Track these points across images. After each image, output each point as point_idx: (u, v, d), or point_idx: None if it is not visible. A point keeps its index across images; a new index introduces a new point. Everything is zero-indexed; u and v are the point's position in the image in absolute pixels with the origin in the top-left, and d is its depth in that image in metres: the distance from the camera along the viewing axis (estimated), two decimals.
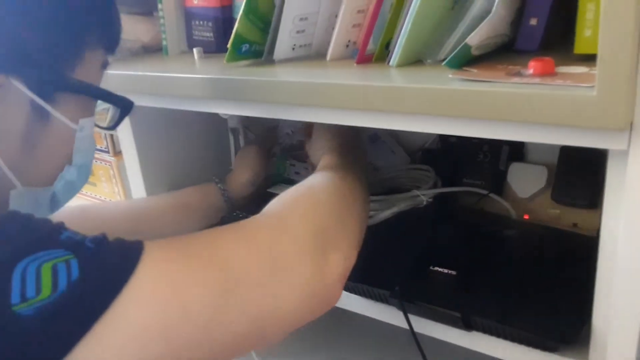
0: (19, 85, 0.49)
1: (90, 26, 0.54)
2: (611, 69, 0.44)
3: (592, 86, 0.46)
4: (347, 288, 0.74)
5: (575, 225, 0.82)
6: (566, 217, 0.83)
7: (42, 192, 0.56)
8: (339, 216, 0.62)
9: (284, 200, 0.62)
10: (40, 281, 0.40)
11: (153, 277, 0.45)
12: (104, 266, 0.43)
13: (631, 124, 0.47)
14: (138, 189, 0.99)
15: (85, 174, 0.59)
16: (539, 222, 0.83)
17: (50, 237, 0.43)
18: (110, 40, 0.57)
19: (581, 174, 0.79)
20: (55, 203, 0.57)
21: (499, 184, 0.87)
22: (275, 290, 0.52)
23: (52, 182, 0.56)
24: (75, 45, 0.53)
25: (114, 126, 0.62)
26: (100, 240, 0.45)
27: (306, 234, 0.57)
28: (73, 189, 0.58)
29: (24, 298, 0.40)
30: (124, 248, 0.46)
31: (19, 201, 0.53)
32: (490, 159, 0.87)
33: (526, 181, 0.85)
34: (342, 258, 0.59)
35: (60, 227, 0.45)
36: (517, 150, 0.86)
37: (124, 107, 0.59)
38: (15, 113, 0.50)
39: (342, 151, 0.77)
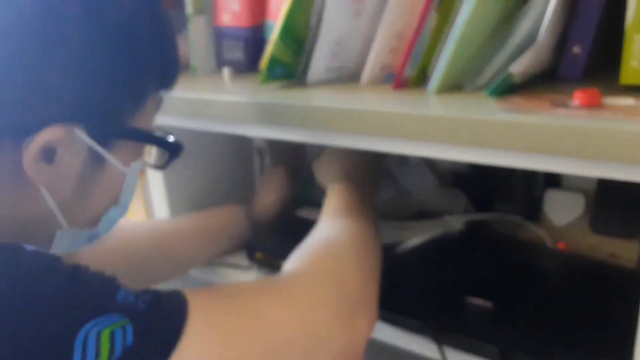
0: (80, 134, 0.49)
1: (154, 75, 0.55)
2: None
3: None
4: (380, 317, 0.72)
5: (613, 255, 0.80)
6: (604, 246, 0.81)
7: (86, 232, 0.56)
8: (364, 274, 0.63)
9: (309, 258, 0.63)
10: (100, 347, 0.42)
11: (198, 346, 0.47)
12: (156, 331, 0.45)
13: None
14: (162, 209, 0.99)
15: (125, 211, 0.60)
16: (576, 252, 0.81)
17: (110, 300, 0.45)
18: (170, 82, 0.58)
19: (620, 203, 0.77)
20: (94, 239, 0.58)
21: (534, 210, 0.85)
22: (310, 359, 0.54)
23: (97, 224, 0.57)
24: (139, 95, 0.54)
25: (163, 166, 0.63)
26: (151, 301, 0.46)
27: (338, 299, 0.58)
28: (112, 225, 0.59)
29: None
30: (172, 305, 0.47)
31: (63, 239, 0.54)
32: (524, 184, 0.85)
33: (563, 208, 0.83)
34: (368, 321, 0.60)
35: (115, 285, 0.46)
36: (553, 176, 0.84)
37: (175, 150, 0.60)
38: (73, 159, 0.50)
39: (352, 182, 0.77)
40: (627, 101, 0.52)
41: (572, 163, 0.50)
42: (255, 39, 0.85)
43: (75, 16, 0.47)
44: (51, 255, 0.46)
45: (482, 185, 0.88)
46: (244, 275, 0.90)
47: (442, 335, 0.65)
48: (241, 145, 1.09)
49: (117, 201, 0.57)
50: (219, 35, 0.89)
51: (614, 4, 0.58)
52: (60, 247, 0.55)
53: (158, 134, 0.59)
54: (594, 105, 0.51)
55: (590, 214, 0.80)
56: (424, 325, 0.66)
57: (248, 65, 0.86)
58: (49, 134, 0.47)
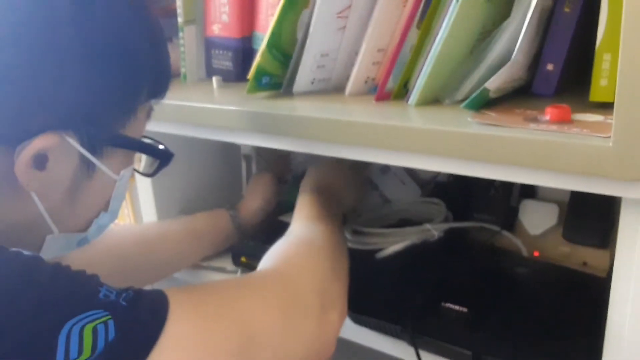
0: (72, 142, 0.50)
1: (146, 83, 0.55)
2: (627, 122, 0.46)
3: (608, 137, 0.47)
4: (359, 321, 0.75)
5: (585, 264, 0.83)
6: (576, 255, 0.84)
7: (76, 236, 0.58)
8: (333, 271, 0.66)
9: (282, 257, 0.66)
10: (82, 343, 0.43)
11: (178, 339, 0.48)
12: (137, 325, 0.46)
13: None
14: (149, 213, 1.00)
15: (115, 216, 0.61)
16: (550, 260, 0.84)
17: (92, 297, 0.45)
18: (162, 90, 0.59)
19: (592, 213, 0.80)
20: (84, 243, 0.60)
21: (510, 220, 0.88)
22: (285, 350, 0.56)
23: (87, 228, 0.58)
24: (131, 104, 0.55)
25: (153, 174, 0.64)
26: (132, 298, 0.47)
27: (312, 293, 0.61)
28: (102, 230, 0.60)
29: (67, 359, 0.42)
30: (153, 301, 0.49)
31: (52, 244, 0.55)
32: (502, 195, 0.88)
33: (537, 218, 0.86)
34: (339, 315, 0.63)
35: (97, 283, 0.47)
36: (528, 187, 0.88)
37: (165, 158, 0.61)
38: (65, 166, 0.51)
39: (324, 192, 0.80)
40: (596, 117, 0.55)
41: (541, 175, 0.53)
42: (244, 49, 0.88)
43: (67, 24, 0.47)
44: (33, 254, 0.47)
45: (461, 194, 0.91)
46: (228, 277, 0.91)
47: (418, 339, 0.67)
48: (228, 151, 1.11)
49: (107, 207, 0.58)
50: (209, 45, 0.91)
51: (586, 24, 0.61)
52: (49, 251, 0.56)
53: (148, 141, 0.60)
54: (563, 121, 0.54)
55: (563, 224, 0.83)
56: (401, 329, 0.69)
57: (237, 74, 0.88)
58: (42, 142, 0.48)
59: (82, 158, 0.52)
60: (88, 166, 0.53)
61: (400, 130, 0.58)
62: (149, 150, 0.60)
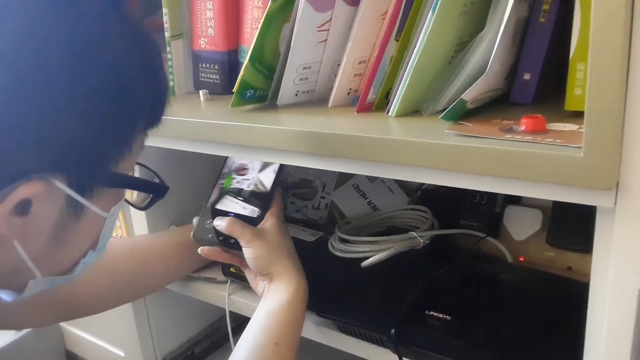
0: (58, 184, 0.45)
1: (144, 117, 0.51)
2: (597, 132, 0.47)
3: (580, 147, 0.48)
4: (344, 329, 0.76)
5: (569, 268, 0.84)
6: (561, 260, 0.85)
7: (60, 279, 0.54)
8: None
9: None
10: None
11: None
12: None
13: (617, 184, 0.49)
14: (141, 225, 1.01)
15: (103, 251, 0.57)
16: (534, 266, 0.84)
17: None
18: (158, 119, 0.54)
19: (575, 219, 0.81)
20: (69, 280, 0.56)
21: (495, 226, 0.89)
22: None
23: (73, 269, 0.55)
24: (127, 141, 0.50)
25: (146, 207, 0.62)
26: None
27: None
28: (88, 266, 0.56)
29: None
30: None
31: (35, 287, 0.52)
32: (486, 201, 0.89)
33: (522, 224, 0.87)
34: None
35: None
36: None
37: (158, 192, 0.58)
38: (50, 210, 0.47)
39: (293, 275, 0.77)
40: (571, 127, 0.56)
41: (516, 185, 0.54)
42: (230, 62, 0.89)
43: (61, 61, 0.43)
44: None
45: (447, 202, 0.92)
46: (218, 288, 0.92)
47: (402, 347, 0.68)
48: (219, 163, 1.12)
49: (95, 245, 0.55)
50: (196, 59, 0.92)
51: (562, 34, 0.62)
52: (32, 293, 0.53)
53: (144, 171, 0.58)
54: (538, 130, 0.55)
55: (547, 230, 0.84)
56: (386, 337, 0.69)
57: (224, 87, 0.89)
58: (26, 190, 0.43)
59: (70, 199, 0.47)
60: (76, 207, 0.48)
61: (377, 142, 0.59)
62: (144, 187, 0.57)
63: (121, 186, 0.52)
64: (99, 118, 0.46)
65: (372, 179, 1.03)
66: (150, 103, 0.51)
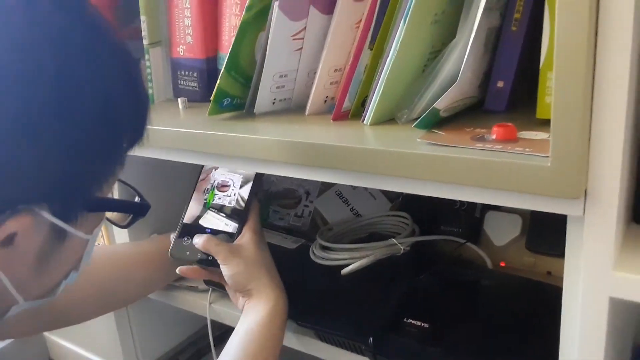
0: (44, 214, 0.46)
1: (128, 142, 0.52)
2: (564, 141, 0.47)
3: (548, 156, 0.49)
4: (323, 337, 0.76)
5: (549, 273, 0.84)
6: (541, 265, 0.85)
7: (42, 302, 0.55)
8: None
9: None
10: None
11: None
12: None
13: (585, 192, 0.49)
14: (122, 233, 1.01)
15: (81, 270, 0.58)
16: (515, 271, 0.85)
17: None
18: (140, 138, 0.53)
19: (554, 224, 0.81)
20: (50, 301, 0.57)
21: (475, 232, 0.89)
22: None
23: (55, 291, 0.55)
24: (112, 167, 0.51)
25: (127, 226, 0.62)
26: None
27: None
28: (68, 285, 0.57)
29: None
30: None
31: (17, 311, 0.53)
32: (466, 207, 0.90)
33: (501, 229, 0.87)
34: None
35: None
36: None
37: (141, 212, 0.59)
38: (34, 239, 0.47)
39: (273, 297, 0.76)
40: (541, 135, 0.56)
41: (486, 193, 0.54)
42: (209, 70, 0.88)
43: (49, 95, 0.42)
44: None
45: (428, 208, 0.92)
46: (200, 297, 0.92)
47: (380, 356, 0.68)
48: (200, 169, 1.12)
49: (77, 267, 0.55)
50: (175, 66, 0.92)
51: (534, 42, 0.62)
52: (13, 314, 0.53)
53: (126, 188, 0.58)
54: (509, 139, 0.55)
55: (526, 235, 0.84)
56: (364, 346, 0.69)
57: (203, 95, 0.89)
58: (14, 225, 0.44)
59: (54, 227, 0.48)
60: (60, 234, 0.49)
61: (348, 152, 0.59)
62: (127, 208, 0.58)
63: (105, 210, 0.53)
64: (86, 148, 0.46)
65: (354, 186, 1.03)
66: (133, 122, 0.52)
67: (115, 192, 0.64)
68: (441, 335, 0.68)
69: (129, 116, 0.50)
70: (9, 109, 0.41)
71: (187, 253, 0.82)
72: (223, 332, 1.01)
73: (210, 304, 0.89)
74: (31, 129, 0.42)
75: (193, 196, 0.88)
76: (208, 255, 0.79)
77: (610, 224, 0.49)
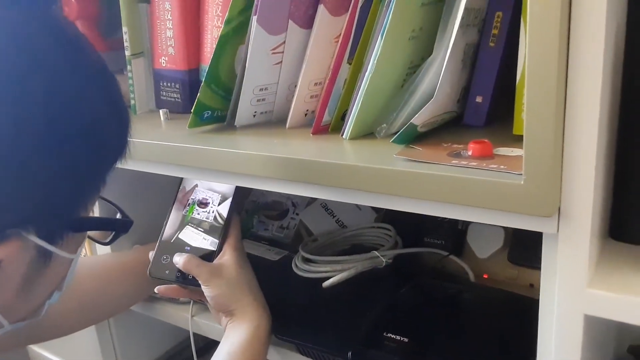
0: (30, 237, 0.46)
1: (113, 163, 0.52)
2: (537, 159, 0.47)
3: (522, 174, 0.48)
4: (303, 351, 0.75)
5: (532, 285, 0.84)
6: (523, 277, 0.85)
7: (25, 324, 0.55)
8: None
9: None
10: None
11: None
12: None
13: (559, 209, 0.49)
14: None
15: (65, 289, 0.58)
16: (496, 284, 0.84)
17: None
18: (123, 155, 0.54)
19: (536, 237, 0.81)
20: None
21: (458, 244, 0.89)
22: None
23: (38, 311, 0.55)
24: (97, 187, 0.51)
25: (109, 242, 0.62)
26: None
27: None
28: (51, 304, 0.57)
29: None
30: None
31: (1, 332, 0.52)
32: (449, 219, 0.89)
33: (484, 242, 0.87)
34: None
35: None
36: None
37: (123, 228, 0.59)
38: (19, 263, 0.47)
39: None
40: (517, 152, 0.56)
41: (462, 210, 0.54)
42: (191, 81, 0.88)
43: (38, 120, 0.42)
44: None
45: (411, 219, 0.91)
46: (182, 309, 0.92)
47: None
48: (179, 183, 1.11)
49: (61, 286, 0.56)
50: (158, 77, 0.91)
51: (513, 57, 0.62)
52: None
53: (107, 206, 0.59)
54: (485, 156, 0.55)
55: (509, 247, 0.84)
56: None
57: (185, 106, 0.89)
58: (2, 252, 0.44)
59: (40, 249, 0.48)
60: (45, 255, 0.49)
61: (328, 167, 0.59)
62: (110, 226, 0.59)
63: (90, 229, 0.54)
64: (74, 170, 0.46)
65: None
66: (117, 140, 0.52)
67: (96, 209, 0.65)
68: (420, 350, 0.68)
69: (114, 135, 0.51)
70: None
71: (167, 272, 0.81)
72: (206, 344, 1.00)
73: (192, 316, 0.89)
74: (20, 154, 0.42)
75: (172, 211, 0.87)
76: (188, 274, 0.78)
77: (584, 241, 0.49)
